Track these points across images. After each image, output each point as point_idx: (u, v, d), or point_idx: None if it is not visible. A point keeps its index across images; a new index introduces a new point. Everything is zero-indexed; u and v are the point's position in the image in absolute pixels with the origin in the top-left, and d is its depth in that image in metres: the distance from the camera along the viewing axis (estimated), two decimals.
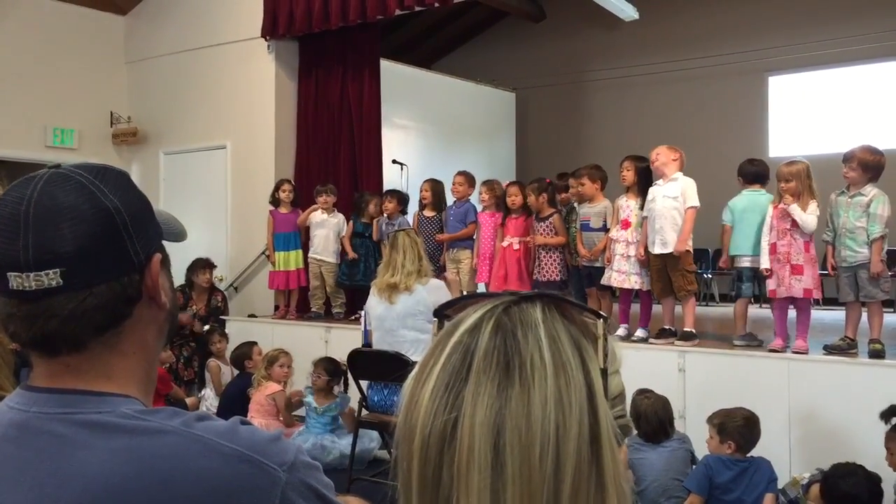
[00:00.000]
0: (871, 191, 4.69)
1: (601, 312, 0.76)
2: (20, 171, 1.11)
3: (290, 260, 7.30)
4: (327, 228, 7.18)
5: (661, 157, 5.35)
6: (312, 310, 7.35)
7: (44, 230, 0.90)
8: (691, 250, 5.33)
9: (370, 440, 5.46)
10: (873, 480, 3.50)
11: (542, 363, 0.68)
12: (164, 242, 1.03)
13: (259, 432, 0.94)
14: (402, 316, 4.37)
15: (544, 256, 6.03)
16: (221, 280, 8.10)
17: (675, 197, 5.24)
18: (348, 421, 5.45)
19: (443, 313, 0.77)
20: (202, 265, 7.20)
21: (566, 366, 0.69)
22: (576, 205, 6.02)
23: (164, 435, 0.90)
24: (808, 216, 4.78)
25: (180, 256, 6.73)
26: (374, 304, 4.52)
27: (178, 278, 6.84)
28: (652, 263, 5.35)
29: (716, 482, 3.75)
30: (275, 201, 7.37)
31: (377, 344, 4.54)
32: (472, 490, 0.66)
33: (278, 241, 7.31)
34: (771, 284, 4.94)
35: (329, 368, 5.54)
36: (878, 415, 3.77)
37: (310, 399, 5.57)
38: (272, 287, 7.45)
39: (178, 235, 1.07)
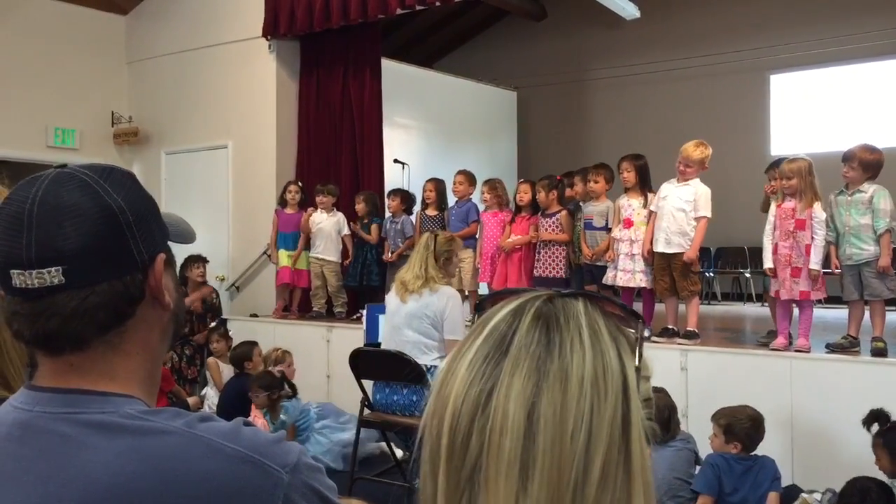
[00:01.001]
0: (870, 187, 4.71)
1: (639, 314, 0.77)
2: (22, 172, 1.10)
3: (289, 259, 7.33)
4: (327, 228, 7.20)
5: (693, 169, 5.23)
6: (314, 309, 7.36)
7: (46, 228, 0.90)
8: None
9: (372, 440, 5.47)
10: (887, 491, 3.48)
11: (582, 347, 0.70)
12: (171, 244, 1.03)
13: (262, 434, 0.94)
14: (408, 316, 4.36)
15: (547, 253, 6.04)
16: (223, 280, 8.11)
17: (686, 201, 5.22)
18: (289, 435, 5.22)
19: (482, 306, 0.78)
20: (194, 260, 7.21)
21: (604, 354, 0.70)
22: (581, 203, 6.03)
23: (167, 435, 0.90)
24: (815, 254, 4.72)
25: (182, 257, 6.74)
26: (391, 297, 4.52)
27: None
28: (656, 262, 5.35)
29: (722, 482, 3.74)
30: (282, 202, 7.42)
31: (385, 340, 4.54)
32: (503, 457, 0.66)
33: (281, 240, 7.35)
34: (774, 285, 4.94)
35: (263, 383, 5.30)
36: (861, 421, 3.74)
37: (267, 419, 5.34)
38: (280, 282, 7.46)
39: (187, 237, 1.07)
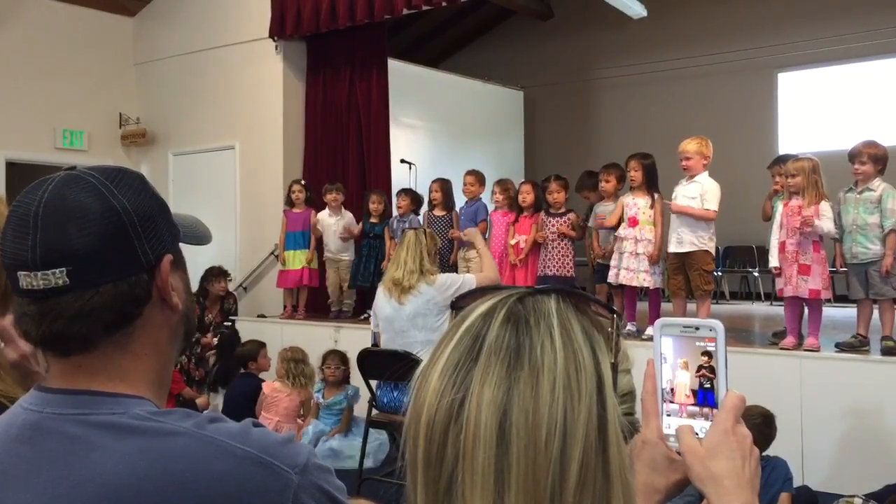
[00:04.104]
0: (879, 185, 4.72)
1: (615, 309, 0.76)
2: (31, 174, 1.10)
3: (298, 259, 7.33)
4: (336, 227, 7.21)
5: (694, 160, 5.25)
6: (333, 309, 7.38)
7: (51, 230, 0.90)
8: (711, 251, 5.31)
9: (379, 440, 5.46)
10: None
11: (553, 349, 0.68)
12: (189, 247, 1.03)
13: (271, 434, 0.94)
14: (412, 316, 4.29)
15: (554, 252, 6.03)
16: (230, 280, 8.11)
17: (693, 198, 5.22)
18: (345, 420, 5.53)
19: (458, 305, 0.77)
20: (216, 273, 7.19)
21: (577, 354, 0.69)
22: (594, 203, 6.05)
23: (177, 436, 0.90)
24: (826, 223, 4.70)
25: (190, 259, 6.70)
26: (383, 304, 4.41)
27: (193, 286, 6.83)
28: (670, 262, 5.35)
29: None
30: (289, 202, 7.44)
31: (386, 346, 4.46)
32: (478, 468, 0.66)
33: (290, 240, 7.37)
34: (780, 283, 4.92)
35: (344, 359, 5.59)
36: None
37: (319, 393, 5.64)
38: (279, 286, 7.47)
39: (201, 239, 1.07)
